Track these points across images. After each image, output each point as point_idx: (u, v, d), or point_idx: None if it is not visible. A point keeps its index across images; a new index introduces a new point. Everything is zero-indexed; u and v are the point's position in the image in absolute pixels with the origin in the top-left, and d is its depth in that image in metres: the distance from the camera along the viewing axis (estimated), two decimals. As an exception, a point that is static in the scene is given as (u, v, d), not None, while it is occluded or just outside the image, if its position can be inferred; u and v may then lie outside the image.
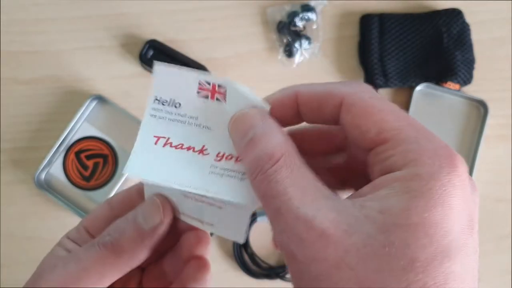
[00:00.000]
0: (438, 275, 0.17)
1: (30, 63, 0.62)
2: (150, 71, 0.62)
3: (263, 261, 0.60)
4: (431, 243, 0.18)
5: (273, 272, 0.59)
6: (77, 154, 0.60)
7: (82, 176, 0.59)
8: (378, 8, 0.63)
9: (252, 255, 0.59)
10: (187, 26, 0.63)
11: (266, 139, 0.22)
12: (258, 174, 0.21)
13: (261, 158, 0.21)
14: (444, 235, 0.18)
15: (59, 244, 0.30)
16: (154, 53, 0.61)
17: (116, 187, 0.58)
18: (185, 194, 0.27)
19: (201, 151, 0.26)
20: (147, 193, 0.28)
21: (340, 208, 0.20)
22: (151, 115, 0.27)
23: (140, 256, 0.27)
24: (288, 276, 0.59)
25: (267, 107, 0.24)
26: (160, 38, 0.61)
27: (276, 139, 0.22)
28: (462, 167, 0.20)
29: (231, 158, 0.25)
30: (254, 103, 0.24)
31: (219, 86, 0.25)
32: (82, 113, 0.59)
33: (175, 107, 0.26)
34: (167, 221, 0.27)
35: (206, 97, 0.25)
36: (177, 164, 0.26)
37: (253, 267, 0.60)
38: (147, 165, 0.26)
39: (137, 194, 0.29)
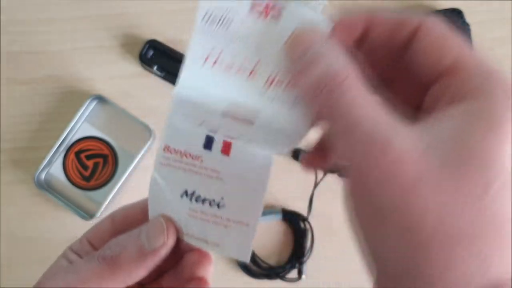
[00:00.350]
0: (507, 201, 0.18)
1: (30, 63, 0.62)
2: (150, 71, 0.62)
3: (263, 261, 0.60)
4: (504, 170, 0.18)
5: (273, 272, 0.59)
6: (77, 154, 0.60)
7: (82, 176, 0.60)
8: (378, 8, 0.63)
9: (252, 255, 0.59)
10: (187, 26, 0.62)
11: (330, 58, 0.21)
12: (325, 90, 0.20)
13: (326, 74, 0.20)
14: None
15: (63, 255, 0.30)
16: (154, 53, 0.61)
17: (116, 187, 0.58)
18: (193, 209, 0.27)
19: (251, 73, 0.24)
20: (151, 213, 0.28)
21: (416, 130, 0.19)
22: (200, 32, 0.26)
23: (139, 274, 0.27)
24: (288, 276, 0.59)
25: (328, 26, 0.23)
26: (160, 38, 0.61)
27: (341, 59, 0.21)
28: None
29: (281, 83, 0.24)
30: (314, 21, 0.23)
31: (274, 2, 0.23)
32: (82, 113, 0.59)
33: (225, 26, 0.25)
34: (170, 243, 0.27)
35: (259, 14, 0.24)
36: (227, 85, 0.25)
37: (253, 267, 0.60)
38: (196, 86, 0.26)
39: (141, 212, 0.29)
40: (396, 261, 0.19)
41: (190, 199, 0.27)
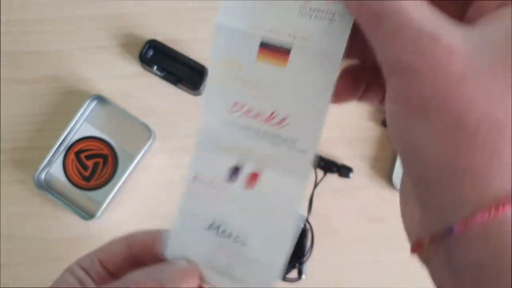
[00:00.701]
0: None
1: (30, 63, 0.62)
2: (150, 71, 0.62)
3: (263, 261, 0.59)
4: None
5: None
6: (77, 154, 0.60)
7: (82, 176, 0.60)
8: (378, 8, 0.63)
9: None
10: (187, 26, 0.63)
11: None
12: None
13: None
14: None
15: (70, 271, 0.28)
16: (154, 53, 0.61)
17: (116, 187, 0.58)
18: (220, 243, 0.26)
19: None
20: (173, 245, 0.27)
21: (465, 29, 0.19)
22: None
23: None
24: (288, 276, 0.59)
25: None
26: (160, 38, 0.61)
27: None
28: None
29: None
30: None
31: None
32: (82, 113, 0.59)
33: None
34: None
35: None
36: (265, 5, 0.25)
37: (253, 267, 0.60)
38: (234, 11, 0.26)
39: (159, 242, 0.28)
40: (438, 153, 0.19)
41: (217, 232, 0.27)
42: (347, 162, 0.61)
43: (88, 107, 0.60)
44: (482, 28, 0.19)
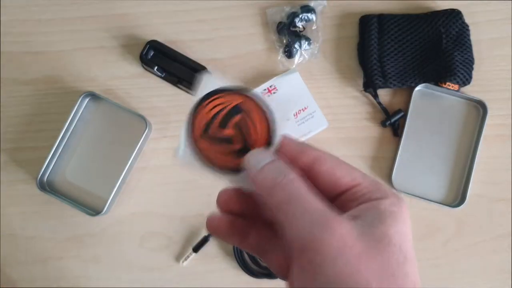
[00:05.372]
0: (413, 274, 0.25)
1: (31, 64, 0.62)
2: (151, 72, 0.62)
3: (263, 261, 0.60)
4: (410, 248, 0.25)
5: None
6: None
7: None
8: (377, 9, 0.64)
9: (253, 255, 0.60)
10: (187, 27, 0.63)
11: (277, 164, 0.28)
12: (283, 180, 0.27)
13: (281, 171, 0.27)
14: (410, 240, 0.26)
15: None
16: (155, 53, 0.61)
17: (119, 180, 0.58)
18: None
19: None
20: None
21: (348, 219, 0.25)
22: None
23: None
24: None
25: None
26: (160, 39, 0.61)
27: (285, 165, 0.28)
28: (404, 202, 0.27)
29: None
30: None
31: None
32: (76, 111, 0.60)
33: None
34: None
35: None
36: None
37: (253, 267, 0.60)
38: None
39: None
40: None
41: None
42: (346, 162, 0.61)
43: (81, 105, 0.60)
44: (359, 218, 0.26)
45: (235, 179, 0.30)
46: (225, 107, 0.30)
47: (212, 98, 0.30)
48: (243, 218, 0.31)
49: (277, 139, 0.29)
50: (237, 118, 0.30)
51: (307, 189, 0.26)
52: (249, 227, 0.30)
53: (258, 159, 0.28)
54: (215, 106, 0.30)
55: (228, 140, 0.30)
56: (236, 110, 0.30)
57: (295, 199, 0.26)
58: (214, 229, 0.31)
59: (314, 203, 0.26)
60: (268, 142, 0.30)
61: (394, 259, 0.24)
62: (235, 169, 0.29)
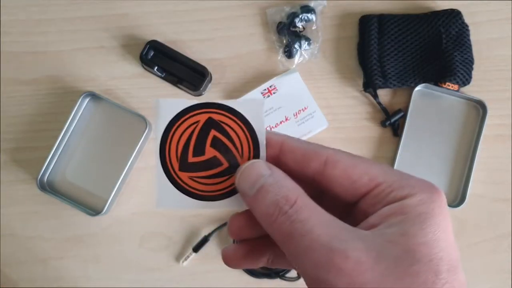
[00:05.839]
0: (455, 284, 0.21)
1: (31, 64, 0.62)
2: (151, 72, 0.62)
3: (263, 261, 0.60)
4: (447, 255, 0.21)
5: (273, 271, 0.60)
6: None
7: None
8: (377, 9, 0.64)
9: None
10: (187, 27, 0.63)
11: (278, 184, 0.24)
12: (279, 216, 0.23)
13: (278, 201, 0.23)
14: (453, 249, 0.22)
15: None
16: (155, 53, 0.61)
17: (119, 180, 0.58)
18: None
19: None
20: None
21: (363, 237, 0.22)
22: None
23: None
24: (288, 275, 0.60)
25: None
26: (160, 39, 0.61)
27: (288, 184, 0.24)
28: (442, 195, 0.23)
29: None
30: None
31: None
32: (76, 111, 0.60)
33: None
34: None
35: None
36: None
37: (253, 267, 0.60)
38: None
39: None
40: None
41: None
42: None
43: (81, 105, 0.60)
44: (379, 233, 0.22)
45: (234, 203, 0.26)
46: (193, 129, 0.26)
47: (177, 124, 0.26)
48: (258, 238, 0.28)
49: (262, 138, 0.26)
50: (211, 136, 0.26)
51: (311, 213, 0.23)
52: (264, 246, 0.28)
53: (248, 181, 0.25)
54: (183, 132, 0.26)
55: (211, 163, 0.26)
56: (207, 127, 0.26)
57: (297, 235, 0.22)
58: (231, 262, 0.29)
59: (318, 237, 0.22)
60: (254, 147, 0.26)
61: (421, 281, 0.20)
62: (230, 192, 0.26)
